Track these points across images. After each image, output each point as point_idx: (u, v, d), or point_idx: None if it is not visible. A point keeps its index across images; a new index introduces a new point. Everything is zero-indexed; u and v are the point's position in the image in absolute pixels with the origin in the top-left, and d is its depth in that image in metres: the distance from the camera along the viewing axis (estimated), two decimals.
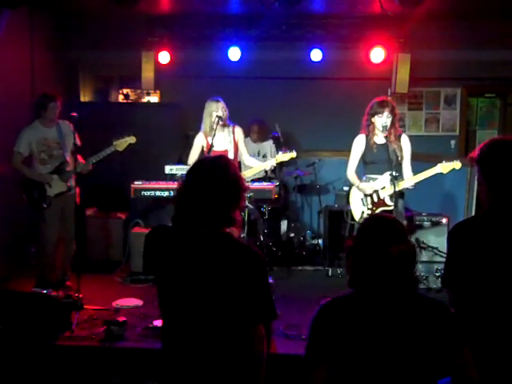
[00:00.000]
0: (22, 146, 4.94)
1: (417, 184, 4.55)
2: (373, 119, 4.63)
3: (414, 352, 1.90)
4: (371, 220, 2.16)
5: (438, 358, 1.92)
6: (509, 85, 7.40)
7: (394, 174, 4.40)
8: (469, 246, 2.21)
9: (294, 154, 5.10)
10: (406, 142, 4.72)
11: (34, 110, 5.07)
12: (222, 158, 2.29)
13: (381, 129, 4.58)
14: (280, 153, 5.18)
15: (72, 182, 5.08)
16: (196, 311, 2.07)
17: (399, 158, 4.62)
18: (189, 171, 2.22)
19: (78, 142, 4.94)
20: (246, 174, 5.13)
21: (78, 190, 5.06)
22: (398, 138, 4.68)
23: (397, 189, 4.44)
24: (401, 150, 4.65)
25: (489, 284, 2.16)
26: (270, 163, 5.25)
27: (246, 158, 5.32)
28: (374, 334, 1.91)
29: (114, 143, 5.07)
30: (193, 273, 2.08)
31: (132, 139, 5.12)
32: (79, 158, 5.01)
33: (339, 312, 1.97)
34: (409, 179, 4.56)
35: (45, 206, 5.00)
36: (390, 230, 1.98)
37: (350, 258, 2.02)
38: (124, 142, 5.10)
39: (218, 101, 5.05)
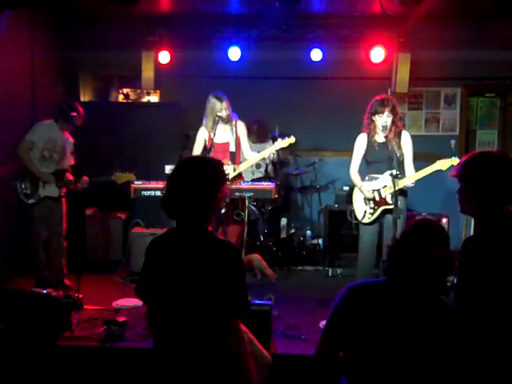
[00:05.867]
0: (36, 136, 4.98)
1: (417, 181, 4.51)
2: (373, 118, 4.58)
3: (424, 355, 1.93)
4: (417, 224, 2.19)
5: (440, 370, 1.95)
6: (509, 85, 7.38)
7: (394, 172, 4.37)
8: (480, 263, 2.21)
9: (292, 140, 4.86)
10: (406, 139, 4.63)
11: (56, 111, 5.13)
12: (202, 159, 2.43)
13: (381, 128, 4.53)
14: (279, 139, 4.96)
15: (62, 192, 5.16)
16: (176, 306, 2.15)
17: (399, 156, 4.57)
18: (172, 170, 2.32)
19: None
20: (249, 163, 5.08)
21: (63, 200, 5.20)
22: (398, 134, 4.59)
23: (397, 187, 4.39)
24: (400, 147, 4.58)
25: (501, 299, 2.16)
26: (268, 151, 4.99)
27: (247, 153, 5.15)
28: (392, 327, 1.95)
29: (115, 174, 5.08)
30: (173, 269, 2.17)
31: (132, 177, 5.09)
32: (84, 177, 5.11)
33: (365, 296, 2.03)
34: (408, 177, 4.51)
35: (30, 201, 5.01)
36: (434, 235, 2.07)
37: (394, 254, 2.09)
38: (124, 177, 5.09)
39: (220, 99, 4.95)
